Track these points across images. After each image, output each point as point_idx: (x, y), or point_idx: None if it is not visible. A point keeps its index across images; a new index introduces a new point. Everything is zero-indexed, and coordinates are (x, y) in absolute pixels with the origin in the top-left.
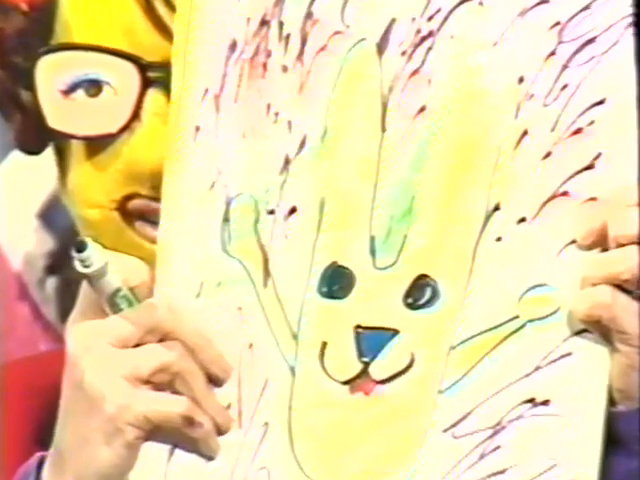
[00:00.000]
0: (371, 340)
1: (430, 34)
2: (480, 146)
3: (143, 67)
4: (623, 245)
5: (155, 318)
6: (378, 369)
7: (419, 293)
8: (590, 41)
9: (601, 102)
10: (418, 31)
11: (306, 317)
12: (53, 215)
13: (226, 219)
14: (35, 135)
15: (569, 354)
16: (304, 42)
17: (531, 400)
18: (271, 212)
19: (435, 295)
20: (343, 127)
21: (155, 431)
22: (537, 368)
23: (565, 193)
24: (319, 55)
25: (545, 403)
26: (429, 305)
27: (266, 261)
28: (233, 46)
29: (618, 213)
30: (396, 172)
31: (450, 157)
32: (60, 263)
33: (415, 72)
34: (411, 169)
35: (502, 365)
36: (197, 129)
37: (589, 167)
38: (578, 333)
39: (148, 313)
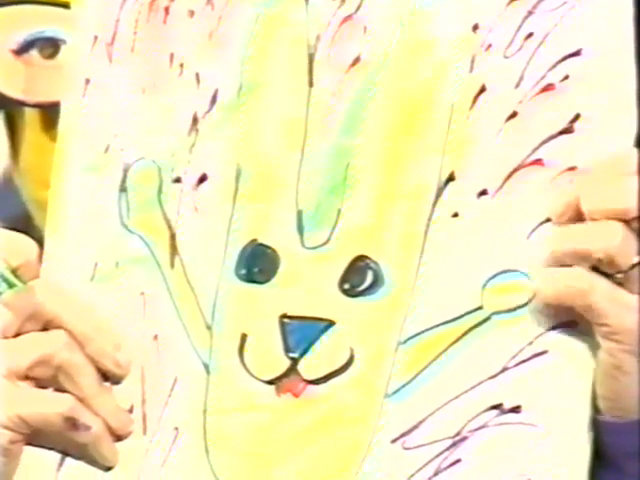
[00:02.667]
0: (300, 332)
1: None
2: (428, 104)
3: None
4: (596, 221)
5: (35, 302)
6: (309, 367)
7: (358, 277)
8: None
9: (576, 53)
10: None
11: (222, 304)
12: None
13: (124, 188)
14: None
15: (544, 352)
16: None
17: (498, 406)
18: (177, 180)
19: (378, 280)
20: (262, 81)
21: (37, 435)
22: (504, 369)
23: (537, 161)
24: None
25: (515, 410)
26: (370, 292)
27: (172, 237)
28: None
29: (593, 183)
30: (327, 134)
31: (391, 117)
32: None
33: (348, 18)
34: (345, 131)
35: (462, 364)
36: (87, 82)
37: (566, 131)
38: (554, 328)
39: (27, 297)
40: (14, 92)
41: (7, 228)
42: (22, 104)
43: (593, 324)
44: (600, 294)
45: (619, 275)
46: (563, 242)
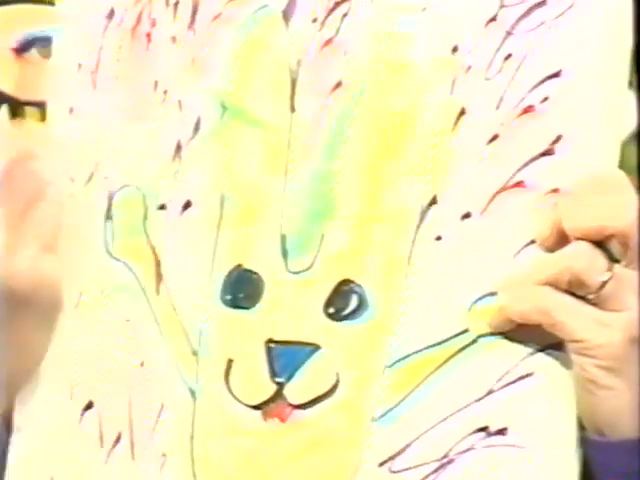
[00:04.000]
0: (286, 357)
1: None
2: (409, 128)
3: None
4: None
5: None
6: (295, 391)
7: (343, 301)
8: (539, 4)
9: (556, 75)
10: None
11: (207, 330)
12: None
13: (109, 216)
14: None
15: (529, 374)
16: (195, 9)
17: (484, 429)
18: (162, 207)
19: (362, 304)
20: (244, 107)
21: None
22: (490, 391)
23: (520, 184)
24: (214, 24)
25: (501, 432)
26: (355, 316)
27: (158, 264)
28: (111, 14)
29: (574, 203)
30: (309, 159)
31: (373, 141)
32: None
33: (328, 42)
34: (327, 156)
35: (448, 388)
36: (71, 111)
37: (547, 152)
38: (540, 349)
39: None
40: (13, 90)
41: None
42: (22, 103)
43: (565, 340)
44: (565, 312)
45: (591, 296)
46: (533, 265)
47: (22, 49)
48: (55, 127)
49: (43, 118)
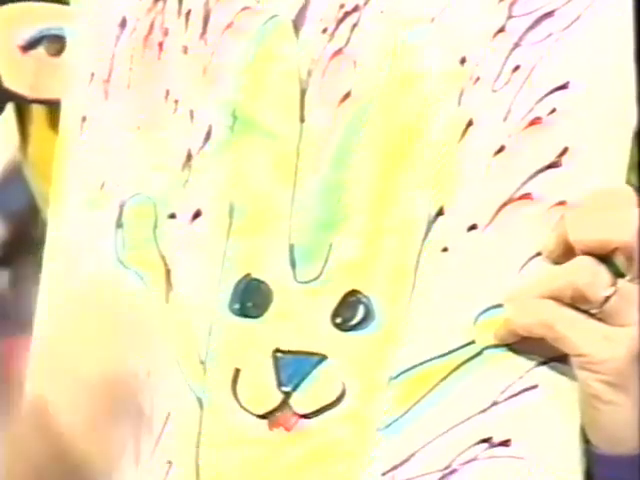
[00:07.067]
0: (293, 366)
1: (355, 8)
2: (417, 139)
3: None
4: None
5: None
6: (301, 401)
7: (350, 312)
8: (547, 15)
9: (563, 87)
10: (341, 5)
11: (215, 339)
12: (4, 195)
13: (120, 224)
14: None
15: (534, 387)
16: (207, 19)
17: (487, 440)
18: (172, 216)
19: (369, 314)
20: (255, 117)
21: None
22: (495, 403)
23: (526, 196)
24: (225, 34)
25: (505, 443)
26: (362, 326)
27: (167, 273)
28: (123, 23)
29: (580, 216)
30: (318, 169)
31: (381, 152)
32: (12, 254)
33: (338, 52)
34: (335, 166)
35: (453, 399)
36: (84, 119)
37: (554, 165)
38: (545, 362)
39: None
40: (20, 88)
41: (12, 221)
42: (28, 100)
43: (570, 355)
44: (569, 326)
45: (594, 310)
46: (537, 279)
47: (29, 46)
48: (67, 136)
49: (50, 116)
